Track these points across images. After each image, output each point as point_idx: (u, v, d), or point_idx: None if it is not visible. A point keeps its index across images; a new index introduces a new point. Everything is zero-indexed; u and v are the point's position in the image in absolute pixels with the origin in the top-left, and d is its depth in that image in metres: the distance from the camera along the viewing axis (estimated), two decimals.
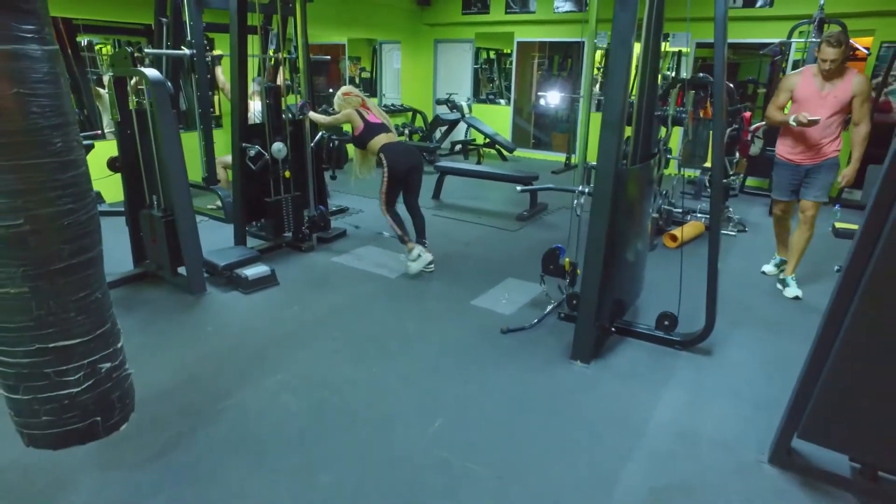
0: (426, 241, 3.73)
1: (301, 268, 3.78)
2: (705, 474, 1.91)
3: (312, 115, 3.86)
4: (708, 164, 5.36)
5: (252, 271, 3.35)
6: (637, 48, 2.63)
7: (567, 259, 2.92)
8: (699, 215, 4.82)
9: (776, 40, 5.47)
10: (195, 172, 4.63)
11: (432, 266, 3.71)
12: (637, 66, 2.80)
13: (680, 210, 4.80)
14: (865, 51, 5.76)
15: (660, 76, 4.03)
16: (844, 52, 2.94)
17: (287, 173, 3.90)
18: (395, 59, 8.50)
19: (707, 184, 5.13)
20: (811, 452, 1.92)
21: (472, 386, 2.41)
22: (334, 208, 4.95)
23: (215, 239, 3.96)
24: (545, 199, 5.41)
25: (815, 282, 3.57)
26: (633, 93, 2.75)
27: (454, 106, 7.56)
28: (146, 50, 4.42)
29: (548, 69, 8.71)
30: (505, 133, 8.29)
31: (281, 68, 4.26)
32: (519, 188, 3.57)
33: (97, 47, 5.49)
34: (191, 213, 3.16)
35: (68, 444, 1.54)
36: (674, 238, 4.26)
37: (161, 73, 3.42)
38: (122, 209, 3.46)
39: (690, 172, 6.03)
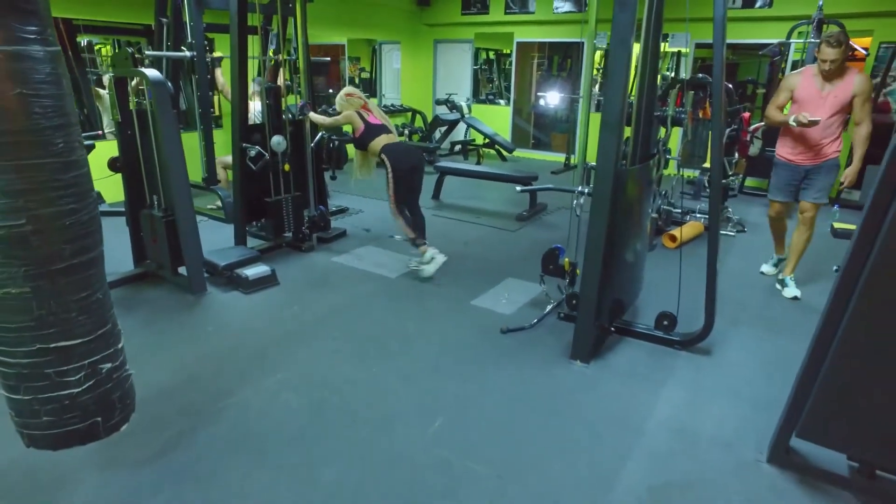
0: (426, 240, 3.73)
1: (301, 268, 3.78)
2: (704, 473, 1.92)
3: (312, 115, 3.87)
4: (707, 165, 5.37)
5: (252, 271, 3.36)
6: (636, 48, 2.64)
7: (566, 259, 2.93)
8: (698, 215, 4.83)
9: (775, 41, 5.48)
10: (195, 172, 4.63)
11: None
12: (636, 67, 2.81)
13: (679, 210, 4.81)
14: (864, 51, 5.77)
15: (659, 77, 4.04)
16: (844, 52, 2.93)
17: (286, 166, 3.90)
18: (394, 59, 8.51)
19: (706, 184, 5.14)
20: (809, 451, 1.93)
21: (472, 385, 2.42)
22: (334, 208, 4.96)
23: (215, 239, 3.96)
24: (544, 200, 5.42)
25: (814, 282, 3.58)
26: (633, 93, 2.75)
27: (454, 106, 7.57)
28: (147, 52, 4.42)
29: (547, 69, 8.72)
30: (504, 133, 8.30)
31: (281, 70, 4.27)
32: (519, 188, 3.57)
33: (96, 47, 5.49)
34: (191, 213, 3.16)
35: (69, 444, 1.54)
36: (673, 238, 4.27)
37: (161, 73, 3.42)
38: (123, 209, 3.47)
39: (689, 173, 6.04)
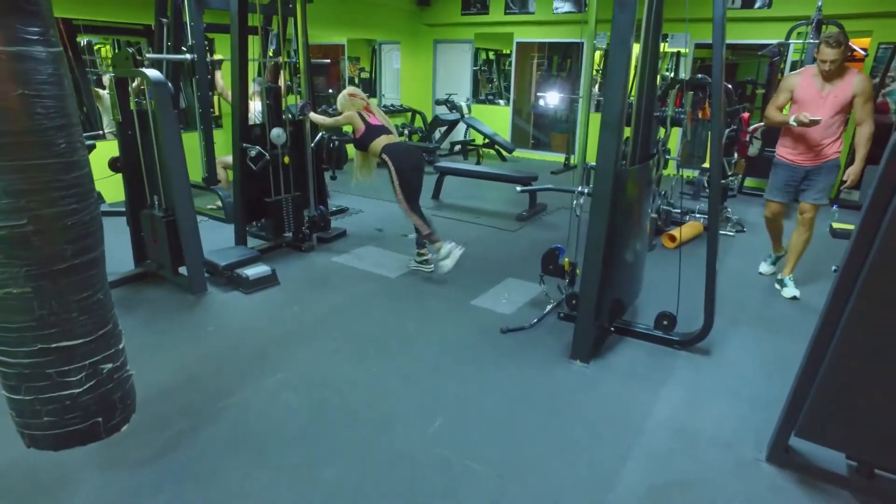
0: (426, 241, 3.74)
1: (301, 268, 3.79)
2: (704, 472, 1.93)
3: (313, 115, 3.87)
4: (706, 165, 5.38)
5: (253, 271, 3.36)
6: (636, 49, 2.65)
7: (566, 259, 2.94)
8: (698, 216, 4.83)
9: (774, 41, 5.49)
10: (195, 172, 4.63)
11: (432, 266, 3.72)
12: (636, 67, 2.82)
13: (679, 210, 4.82)
14: (863, 52, 5.78)
15: (658, 77, 4.04)
16: (844, 52, 2.92)
17: (286, 159, 3.90)
18: (394, 59, 8.51)
19: (705, 184, 5.15)
20: (808, 450, 1.94)
21: (472, 385, 2.42)
22: (334, 208, 4.97)
23: (216, 239, 3.97)
24: (544, 200, 5.42)
25: (813, 282, 3.58)
26: (632, 93, 2.76)
27: (453, 106, 7.57)
28: (148, 55, 4.43)
29: (547, 70, 8.72)
30: (504, 133, 8.31)
31: (281, 71, 4.28)
32: (519, 188, 3.57)
33: (96, 47, 5.49)
34: (192, 213, 3.17)
35: (69, 444, 1.54)
36: (672, 238, 4.28)
37: (161, 73, 3.43)
38: (123, 209, 3.47)
39: (689, 173, 6.05)
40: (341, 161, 4.49)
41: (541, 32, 7.90)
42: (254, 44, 4.01)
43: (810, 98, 3.08)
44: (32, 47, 1.23)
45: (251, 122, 4.10)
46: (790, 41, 5.62)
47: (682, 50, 6.86)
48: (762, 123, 4.76)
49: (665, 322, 2.75)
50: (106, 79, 5.00)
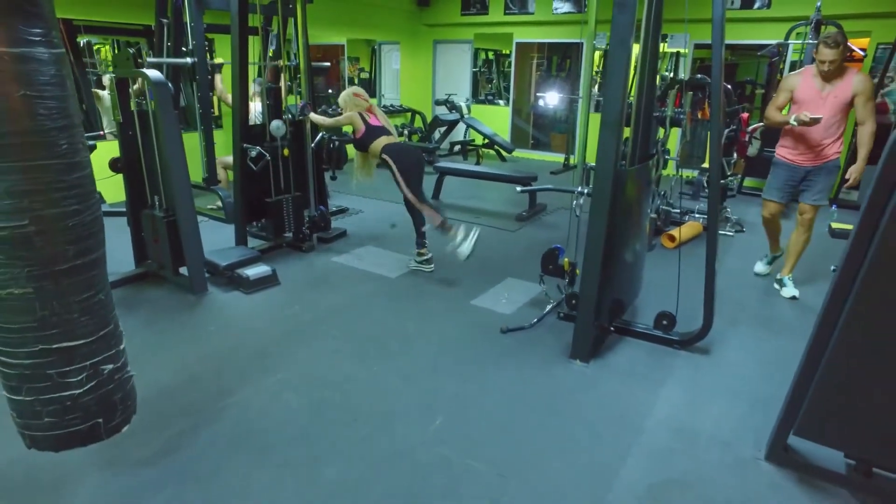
0: (426, 241, 3.75)
1: (302, 268, 3.79)
2: (703, 471, 1.93)
3: (313, 116, 3.88)
4: (706, 165, 5.39)
5: (253, 271, 3.37)
6: (635, 49, 2.65)
7: (566, 259, 2.94)
8: (697, 216, 4.84)
9: (774, 41, 5.50)
10: (195, 173, 4.64)
11: (432, 266, 3.73)
12: (635, 67, 2.82)
13: (678, 210, 4.82)
14: (862, 52, 5.79)
15: (658, 77, 4.05)
16: (843, 52, 2.92)
17: (286, 151, 3.90)
18: (394, 59, 8.51)
19: (705, 184, 5.16)
20: (807, 449, 1.95)
21: (472, 385, 2.43)
22: (334, 209, 4.97)
23: (216, 239, 3.97)
24: (544, 200, 5.43)
25: (812, 282, 3.59)
26: (632, 94, 2.77)
27: (453, 106, 7.58)
28: (148, 59, 4.43)
29: (546, 70, 8.73)
30: (504, 134, 8.31)
31: (282, 75, 4.29)
32: (519, 189, 3.58)
33: (95, 48, 5.49)
34: (192, 213, 3.17)
35: (70, 445, 1.54)
36: (672, 238, 4.28)
37: (161, 73, 3.43)
38: (123, 209, 3.48)
39: (688, 173, 6.06)
40: (341, 161, 4.50)
41: (540, 33, 7.91)
42: (254, 46, 4.02)
43: (810, 98, 3.08)
44: (35, 49, 1.23)
45: (252, 123, 4.10)
46: (789, 41, 5.63)
47: (682, 50, 6.88)
48: (761, 123, 4.77)
49: (664, 322, 2.76)
50: (106, 79, 5.00)
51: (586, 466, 1.94)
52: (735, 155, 4.99)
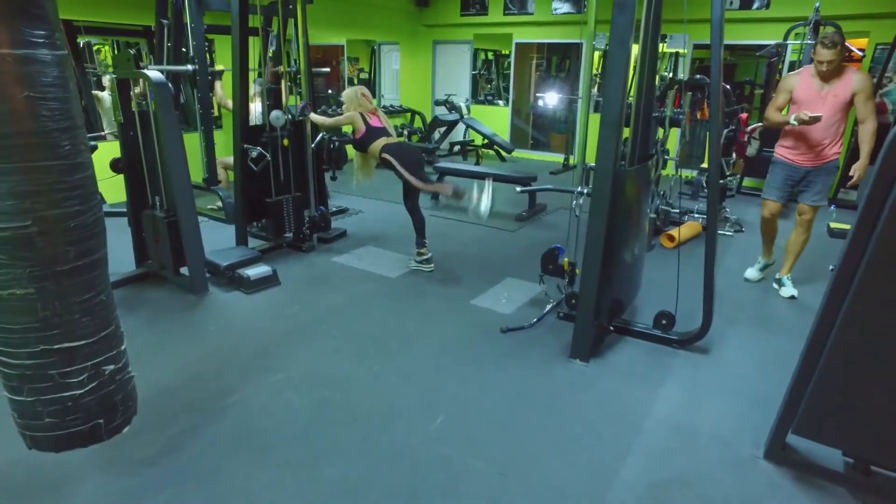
0: (426, 240, 3.76)
1: (302, 268, 3.80)
2: (702, 469, 1.94)
3: (313, 116, 3.89)
4: (705, 165, 5.40)
5: (254, 271, 3.38)
6: (635, 49, 2.66)
7: (566, 259, 2.95)
8: (696, 216, 4.85)
9: (772, 42, 5.51)
10: (195, 173, 4.64)
11: (432, 266, 3.74)
12: (635, 68, 2.83)
13: (677, 210, 4.83)
14: (860, 52, 5.80)
15: (657, 77, 4.06)
16: (840, 52, 2.92)
17: (286, 141, 3.90)
18: (393, 60, 8.52)
19: (704, 184, 5.17)
20: (805, 448, 1.96)
21: (473, 384, 2.44)
22: (334, 209, 4.98)
23: (216, 239, 3.98)
24: (544, 200, 5.44)
25: (811, 282, 3.60)
26: (631, 94, 2.77)
27: (453, 107, 7.59)
28: (150, 66, 4.44)
29: (546, 70, 8.74)
30: (503, 134, 8.32)
31: (282, 80, 4.30)
32: (519, 189, 3.58)
33: (95, 48, 5.49)
34: (193, 213, 3.18)
35: (71, 446, 1.54)
36: (671, 238, 4.29)
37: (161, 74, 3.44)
38: (124, 210, 3.48)
39: (688, 173, 6.07)
40: (341, 162, 4.51)
41: (540, 33, 7.91)
42: (254, 53, 4.02)
43: (810, 98, 3.07)
44: (38, 50, 1.24)
45: (252, 124, 4.11)
46: (788, 42, 5.64)
47: (681, 50, 6.88)
48: (760, 124, 4.77)
49: (664, 321, 2.76)
50: (106, 80, 5.01)
51: (586, 465, 1.95)
52: (734, 155, 5.00)
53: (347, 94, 3.65)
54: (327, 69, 5.21)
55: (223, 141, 5.62)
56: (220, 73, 4.93)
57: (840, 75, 3.01)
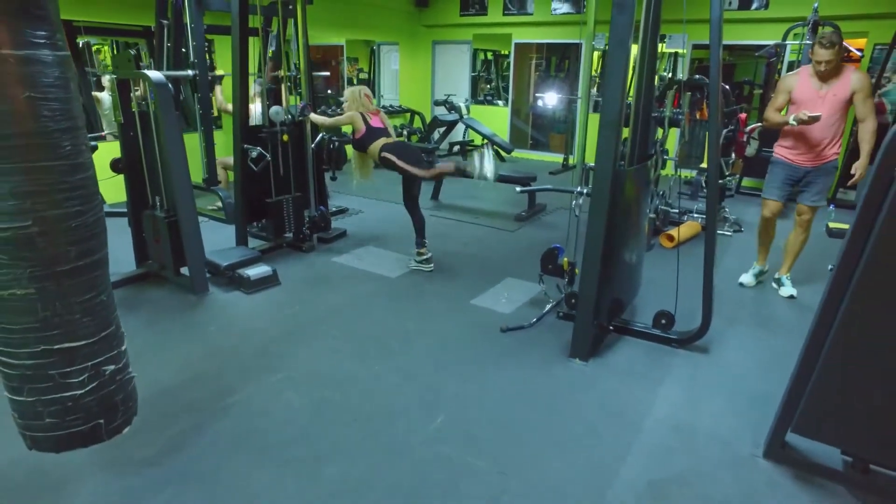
0: (426, 240, 3.76)
1: (302, 268, 3.80)
2: (702, 468, 1.95)
3: (313, 116, 3.89)
4: (704, 165, 5.41)
5: (254, 271, 3.38)
6: (634, 50, 2.66)
7: (565, 258, 2.95)
8: (696, 215, 4.86)
9: (771, 42, 5.52)
10: (195, 173, 4.64)
11: (432, 266, 3.74)
12: (634, 68, 2.83)
13: (677, 210, 4.84)
14: (859, 52, 5.81)
15: (657, 77, 4.06)
16: (839, 52, 2.93)
17: (285, 136, 3.90)
18: (393, 60, 8.53)
19: (703, 184, 5.17)
20: (805, 447, 1.96)
21: (473, 384, 2.44)
22: (334, 209, 4.98)
23: (216, 239, 3.98)
24: (543, 200, 5.44)
25: (810, 281, 3.61)
26: (631, 94, 2.78)
27: (452, 107, 7.58)
28: (151, 73, 4.45)
29: (545, 70, 8.75)
30: (503, 134, 8.32)
31: (282, 83, 4.31)
32: (518, 189, 3.58)
33: (94, 48, 5.49)
34: (194, 213, 3.18)
35: (71, 446, 1.54)
36: (670, 238, 4.30)
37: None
38: (123, 210, 3.49)
39: (687, 173, 6.07)
40: (341, 162, 4.51)
41: (539, 33, 7.92)
42: (254, 58, 4.02)
43: (809, 98, 3.07)
44: (40, 51, 1.25)
45: (252, 124, 4.12)
46: (787, 42, 5.65)
47: (680, 51, 6.89)
48: (759, 124, 4.78)
49: (663, 321, 2.77)
50: (106, 80, 5.01)
51: (586, 464, 1.95)
52: (733, 155, 5.01)
53: (350, 92, 3.65)
54: (327, 73, 5.21)
55: (223, 141, 5.62)
56: (220, 78, 4.94)
57: (838, 75, 3.02)
